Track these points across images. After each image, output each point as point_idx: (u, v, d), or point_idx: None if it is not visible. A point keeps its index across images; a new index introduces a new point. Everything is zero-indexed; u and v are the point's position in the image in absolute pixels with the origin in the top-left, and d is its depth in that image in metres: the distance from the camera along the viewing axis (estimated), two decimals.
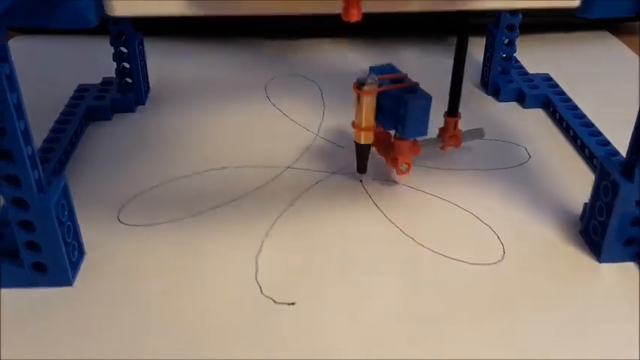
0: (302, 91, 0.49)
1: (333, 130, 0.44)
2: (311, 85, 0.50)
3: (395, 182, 0.38)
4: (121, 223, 0.35)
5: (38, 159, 0.28)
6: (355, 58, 0.55)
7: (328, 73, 0.52)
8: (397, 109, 0.34)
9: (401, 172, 0.37)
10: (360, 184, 0.38)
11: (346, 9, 0.22)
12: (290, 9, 0.23)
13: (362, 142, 0.36)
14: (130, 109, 0.46)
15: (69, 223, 0.30)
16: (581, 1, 0.26)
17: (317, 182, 0.38)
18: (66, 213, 0.30)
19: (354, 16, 0.22)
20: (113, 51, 0.46)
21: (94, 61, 0.52)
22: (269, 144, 0.42)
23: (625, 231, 0.31)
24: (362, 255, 0.33)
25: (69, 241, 0.30)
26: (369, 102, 0.34)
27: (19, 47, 0.54)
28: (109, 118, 0.45)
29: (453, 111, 0.38)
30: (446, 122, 0.39)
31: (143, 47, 0.47)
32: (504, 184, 0.38)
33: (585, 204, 0.35)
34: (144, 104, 0.47)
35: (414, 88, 0.35)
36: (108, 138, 0.43)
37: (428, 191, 0.38)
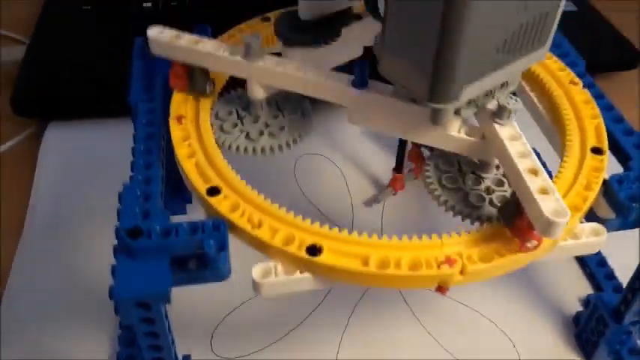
0: (325, 173, 0.56)
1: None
2: (334, 168, 0.57)
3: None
4: (217, 356, 0.43)
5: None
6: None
7: (347, 150, 0.58)
8: None
9: None
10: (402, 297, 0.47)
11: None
12: None
13: None
14: (182, 211, 0.52)
15: None
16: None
17: (362, 295, 0.47)
18: None
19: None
20: None
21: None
22: None
23: (613, 346, 0.42)
24: None
25: None
26: None
27: (54, 135, 0.58)
28: None
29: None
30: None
31: None
32: (510, 279, 0.48)
33: (578, 312, 0.45)
34: (191, 202, 0.53)
35: None
36: None
37: (451, 296, 0.47)
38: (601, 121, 0.36)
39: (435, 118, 0.32)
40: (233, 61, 0.34)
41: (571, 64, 0.41)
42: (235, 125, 0.38)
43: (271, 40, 0.41)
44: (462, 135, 0.34)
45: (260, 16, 0.43)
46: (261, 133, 0.37)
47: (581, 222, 0.33)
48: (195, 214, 0.52)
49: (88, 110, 0.59)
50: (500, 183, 0.35)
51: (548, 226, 0.28)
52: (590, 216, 0.34)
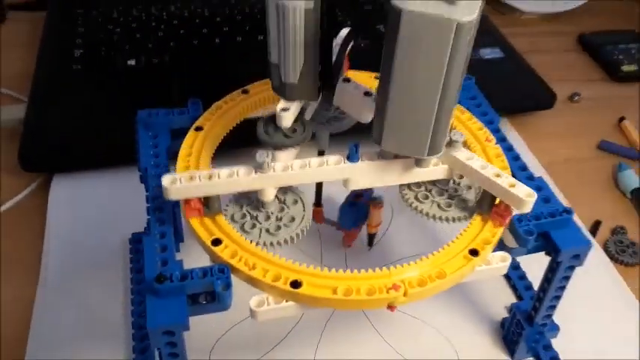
0: None
1: (334, 257, 0.62)
2: None
3: None
4: None
5: None
6: None
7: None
8: None
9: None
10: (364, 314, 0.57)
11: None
12: None
13: None
14: (177, 249, 0.61)
15: None
16: None
17: (332, 312, 0.57)
18: None
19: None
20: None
21: (124, 195, 0.65)
22: None
23: (530, 344, 0.53)
24: None
25: None
26: None
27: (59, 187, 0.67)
28: None
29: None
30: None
31: None
32: (449, 293, 0.59)
33: (504, 318, 0.56)
34: (183, 241, 0.62)
35: None
36: None
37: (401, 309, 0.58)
38: (509, 171, 0.47)
39: (423, 164, 0.43)
40: (249, 179, 0.40)
41: (488, 122, 0.53)
42: (254, 226, 0.44)
43: (251, 108, 0.51)
44: (436, 167, 0.44)
45: (240, 90, 0.53)
46: (279, 228, 0.44)
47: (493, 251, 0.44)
48: (185, 250, 0.61)
49: (90, 162, 0.68)
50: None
51: (525, 204, 0.40)
52: (500, 245, 0.45)
